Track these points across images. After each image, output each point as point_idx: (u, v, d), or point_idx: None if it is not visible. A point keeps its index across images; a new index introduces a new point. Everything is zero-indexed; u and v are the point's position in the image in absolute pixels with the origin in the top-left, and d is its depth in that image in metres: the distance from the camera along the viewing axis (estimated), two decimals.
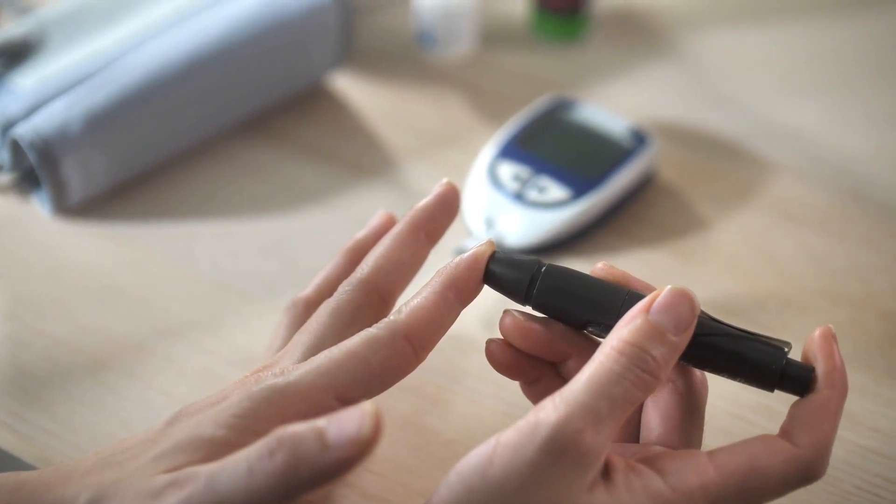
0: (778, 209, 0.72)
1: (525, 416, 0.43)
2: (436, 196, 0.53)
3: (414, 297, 0.49)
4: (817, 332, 0.47)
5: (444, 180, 0.54)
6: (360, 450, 0.43)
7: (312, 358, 0.48)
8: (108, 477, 0.46)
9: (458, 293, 0.49)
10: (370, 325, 0.49)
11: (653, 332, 0.45)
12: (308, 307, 0.55)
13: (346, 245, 0.57)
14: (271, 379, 0.47)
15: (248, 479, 0.43)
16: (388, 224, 0.57)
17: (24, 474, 0.48)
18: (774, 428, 0.58)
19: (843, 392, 0.46)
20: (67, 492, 0.46)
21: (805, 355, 0.47)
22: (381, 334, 0.48)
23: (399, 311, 0.49)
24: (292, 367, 0.48)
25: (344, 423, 0.43)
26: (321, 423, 0.43)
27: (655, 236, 0.70)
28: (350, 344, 0.48)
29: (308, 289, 0.56)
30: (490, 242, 0.51)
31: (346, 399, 0.47)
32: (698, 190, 0.73)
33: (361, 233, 0.57)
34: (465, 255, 0.50)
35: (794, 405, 0.47)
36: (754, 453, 0.45)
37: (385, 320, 0.48)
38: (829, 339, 0.47)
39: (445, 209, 0.53)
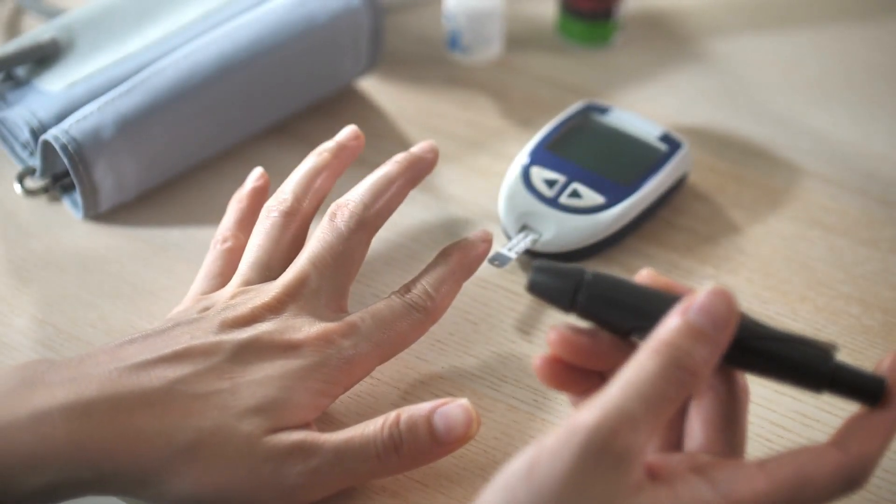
0: (808, 215, 0.72)
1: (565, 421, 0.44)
2: (425, 153, 0.65)
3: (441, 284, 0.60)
4: (891, 356, 0.48)
5: (430, 143, 0.66)
6: (461, 445, 0.54)
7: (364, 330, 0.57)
8: (194, 423, 0.52)
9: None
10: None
11: (689, 331, 0.45)
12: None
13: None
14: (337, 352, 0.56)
15: (377, 464, 0.53)
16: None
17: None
18: (809, 433, 0.59)
19: None
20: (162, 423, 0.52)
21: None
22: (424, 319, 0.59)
23: (433, 298, 0.60)
24: (351, 346, 0.56)
25: (452, 421, 0.54)
26: (437, 421, 0.53)
27: (686, 242, 0.70)
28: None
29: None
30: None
31: None
32: (728, 196, 0.73)
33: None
34: (475, 252, 0.63)
35: (855, 417, 0.47)
36: (803, 462, 0.46)
37: (424, 307, 0.59)
38: None
39: (428, 166, 0.65)
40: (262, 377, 0.54)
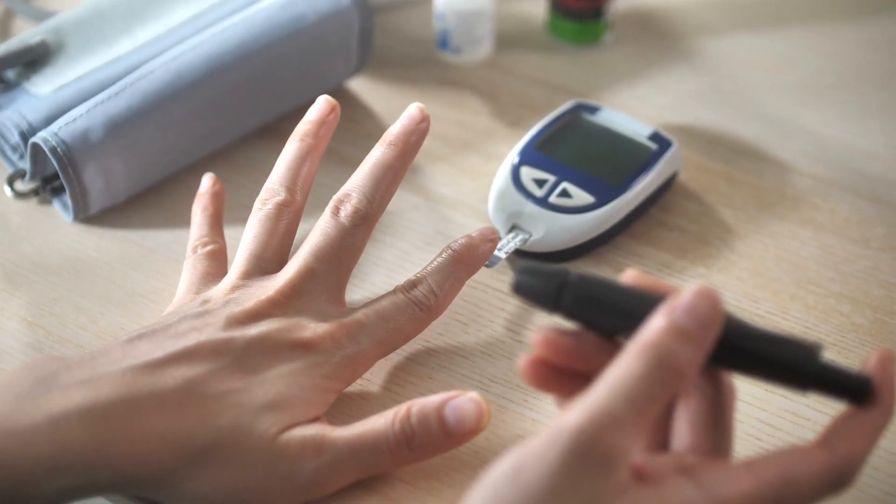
0: (798, 214, 0.72)
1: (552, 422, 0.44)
2: (417, 123, 0.64)
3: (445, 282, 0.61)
4: (876, 355, 0.48)
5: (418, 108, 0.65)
6: (473, 437, 0.55)
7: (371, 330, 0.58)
8: (212, 423, 0.52)
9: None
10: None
11: (674, 332, 0.45)
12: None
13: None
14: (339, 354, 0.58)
15: (388, 457, 0.54)
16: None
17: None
18: (800, 432, 0.59)
19: (891, 413, 0.47)
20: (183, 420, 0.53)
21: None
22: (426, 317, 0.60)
23: (436, 296, 0.60)
24: (356, 344, 0.58)
25: (463, 415, 0.54)
26: (448, 414, 0.54)
27: (677, 241, 0.70)
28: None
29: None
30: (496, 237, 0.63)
31: None
32: (719, 195, 0.73)
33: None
34: (480, 250, 0.62)
35: (841, 417, 0.47)
36: (790, 462, 0.46)
37: (427, 305, 0.60)
38: (888, 361, 0.48)
39: (421, 137, 0.64)
40: (273, 375, 0.55)
